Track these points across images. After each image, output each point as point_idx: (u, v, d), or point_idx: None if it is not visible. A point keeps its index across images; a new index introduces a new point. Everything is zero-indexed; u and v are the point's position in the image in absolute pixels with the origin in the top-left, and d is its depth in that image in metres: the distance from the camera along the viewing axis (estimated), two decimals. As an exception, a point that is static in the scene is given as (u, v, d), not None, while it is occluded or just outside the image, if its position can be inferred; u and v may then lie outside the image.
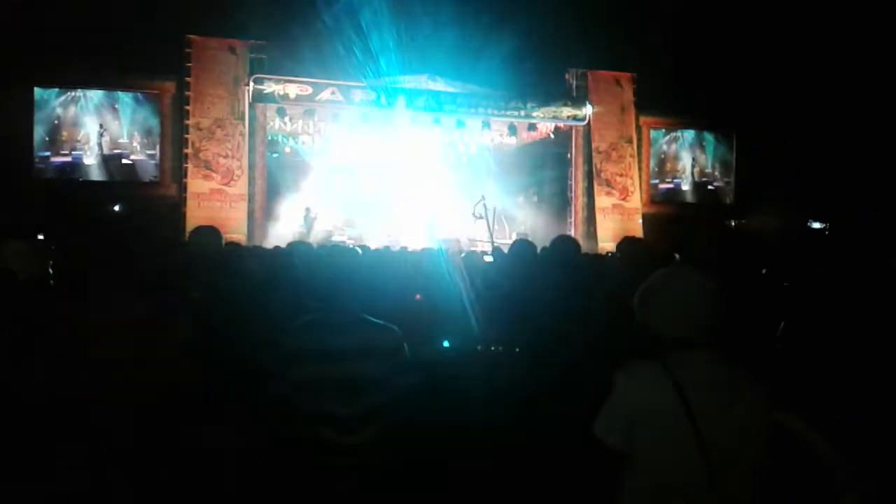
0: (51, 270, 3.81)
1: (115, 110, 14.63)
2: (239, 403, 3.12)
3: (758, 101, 17.38)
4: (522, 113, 16.61)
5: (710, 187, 19.12)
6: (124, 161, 14.64)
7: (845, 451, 2.34)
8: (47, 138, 14.19)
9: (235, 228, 13.87)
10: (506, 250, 5.54)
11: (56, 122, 14.26)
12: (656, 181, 18.61)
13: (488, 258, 7.92)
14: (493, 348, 3.71)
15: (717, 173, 19.14)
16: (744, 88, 17.33)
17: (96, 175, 14.46)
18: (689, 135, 18.90)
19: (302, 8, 14.99)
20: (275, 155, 17.77)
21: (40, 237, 3.76)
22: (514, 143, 18.66)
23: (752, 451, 2.25)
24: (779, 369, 3.02)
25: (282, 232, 15.82)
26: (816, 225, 18.21)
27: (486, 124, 16.78)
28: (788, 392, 2.76)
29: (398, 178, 19.93)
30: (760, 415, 2.27)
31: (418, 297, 4.46)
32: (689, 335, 2.30)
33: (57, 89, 14.28)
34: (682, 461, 2.21)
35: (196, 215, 13.93)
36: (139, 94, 14.82)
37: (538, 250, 4.21)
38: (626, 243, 4.57)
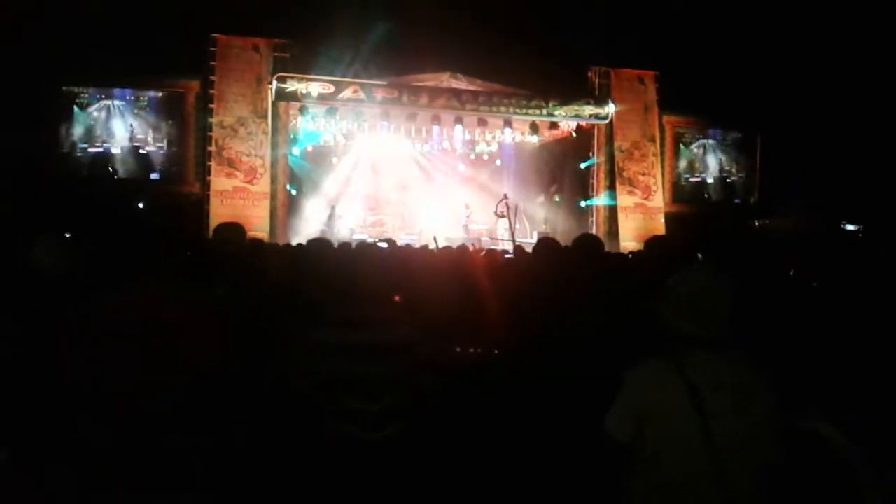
0: (78, 267, 3.84)
1: (141, 108, 14.82)
2: (262, 399, 3.14)
3: (783, 101, 17.19)
4: (544, 111, 16.49)
5: (733, 187, 18.94)
6: (143, 154, 14.82)
7: (867, 452, 2.32)
8: (83, 134, 14.43)
9: (258, 226, 13.95)
10: (528, 249, 5.55)
11: (91, 122, 14.50)
12: (688, 175, 18.46)
13: (509, 256, 7.92)
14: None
15: (741, 173, 18.96)
16: (768, 87, 17.15)
17: (123, 169, 14.65)
18: (714, 134, 18.74)
19: (325, 7, 15.05)
20: (296, 153, 17.88)
21: (67, 234, 3.81)
22: (535, 142, 18.63)
23: (762, 452, 2.26)
24: (798, 369, 3.00)
25: (304, 229, 15.94)
26: (850, 227, 17.94)
27: (508, 123, 16.70)
28: (808, 393, 2.75)
29: (420, 176, 20.04)
30: (772, 417, 2.28)
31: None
32: (706, 334, 2.31)
33: (92, 90, 14.53)
34: (691, 459, 2.23)
35: (219, 213, 14.02)
36: (164, 92, 14.97)
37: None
38: (653, 241, 4.55)
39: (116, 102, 14.65)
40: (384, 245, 6.31)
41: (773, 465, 2.26)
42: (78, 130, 14.43)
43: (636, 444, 2.31)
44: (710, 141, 18.73)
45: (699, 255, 6.22)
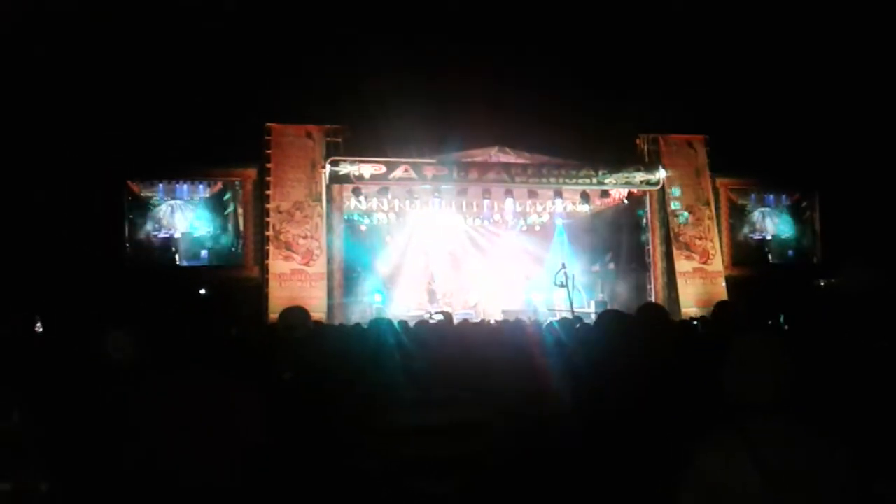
0: (147, 356, 3.94)
1: (202, 198, 15.39)
2: (329, 480, 3.13)
3: (839, 157, 16.92)
4: (594, 180, 16.47)
5: (794, 247, 18.51)
6: (205, 241, 15.38)
7: None
8: (147, 226, 15.08)
9: (316, 307, 14.08)
10: (587, 319, 5.49)
11: (155, 214, 15.13)
12: (746, 237, 18.12)
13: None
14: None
15: (800, 232, 18.54)
16: (823, 144, 16.93)
17: (187, 257, 15.15)
18: (771, 194, 18.45)
19: (373, 92, 15.52)
20: (351, 232, 18.17)
21: (137, 324, 3.94)
22: (587, 210, 18.60)
23: None
24: (874, 435, 2.92)
25: (361, 309, 16.05)
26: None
27: (559, 193, 16.72)
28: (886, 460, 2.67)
29: (472, 250, 20.15)
30: (845, 484, 2.20)
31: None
32: (768, 401, 2.28)
33: (159, 185, 15.23)
34: None
35: (278, 295, 14.27)
36: (224, 181, 15.53)
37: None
38: (720, 308, 4.45)
39: (179, 196, 15.26)
40: (440, 317, 6.32)
41: None
42: (145, 225, 15.06)
43: None
44: (768, 201, 18.44)
45: (769, 322, 6.07)
